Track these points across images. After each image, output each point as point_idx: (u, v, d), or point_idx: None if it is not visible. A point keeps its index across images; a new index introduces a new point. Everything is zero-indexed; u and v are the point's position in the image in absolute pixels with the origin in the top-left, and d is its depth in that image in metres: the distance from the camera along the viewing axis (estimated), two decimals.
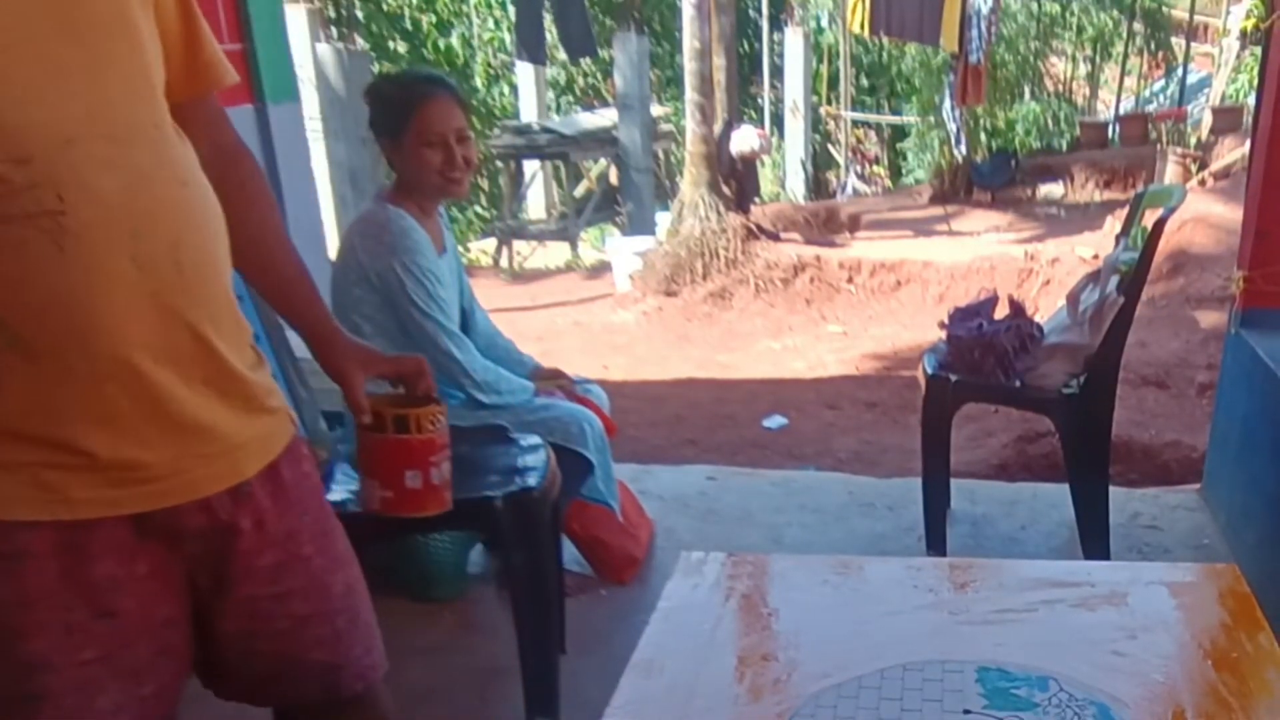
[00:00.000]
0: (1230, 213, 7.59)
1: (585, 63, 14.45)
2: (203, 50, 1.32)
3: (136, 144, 1.16)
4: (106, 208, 1.11)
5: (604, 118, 12.48)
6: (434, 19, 14.93)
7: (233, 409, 1.26)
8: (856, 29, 10.65)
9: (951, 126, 10.62)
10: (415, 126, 2.42)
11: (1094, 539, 2.94)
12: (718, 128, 9.84)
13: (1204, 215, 8.04)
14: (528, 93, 13.64)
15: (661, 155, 13.48)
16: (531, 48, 10.95)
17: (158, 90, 1.23)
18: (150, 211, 1.15)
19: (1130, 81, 13.79)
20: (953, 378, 2.96)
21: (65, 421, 1.13)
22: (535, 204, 13.48)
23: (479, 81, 15.01)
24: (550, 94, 14.72)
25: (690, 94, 9.57)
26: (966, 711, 1.13)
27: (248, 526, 1.28)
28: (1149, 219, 2.81)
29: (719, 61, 9.81)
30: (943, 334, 3.08)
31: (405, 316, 2.44)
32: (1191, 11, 12.62)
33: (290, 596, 1.34)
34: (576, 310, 9.05)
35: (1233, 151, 9.82)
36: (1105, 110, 13.54)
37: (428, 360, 2.50)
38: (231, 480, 1.26)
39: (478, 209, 14.54)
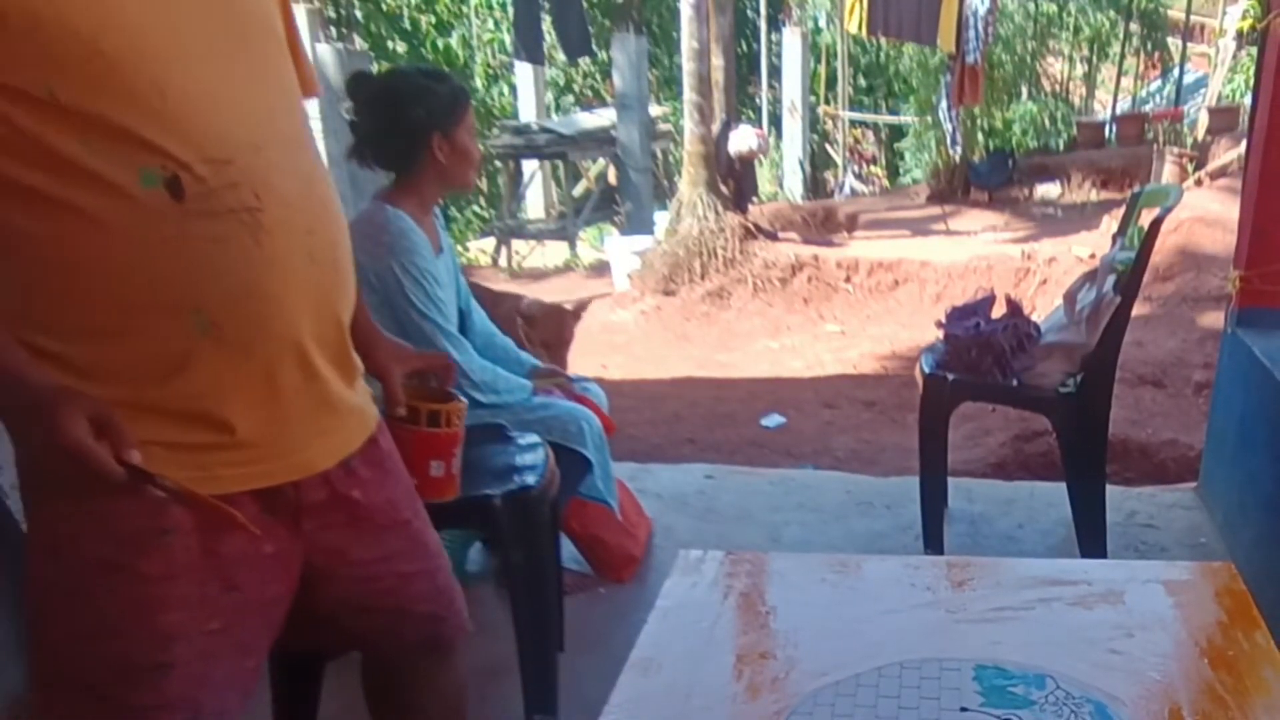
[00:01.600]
0: (1227, 212, 7.60)
1: (584, 63, 14.45)
2: (303, 60, 1.40)
3: (300, 148, 1.28)
4: (289, 207, 1.23)
5: (602, 118, 12.47)
6: (433, 19, 14.92)
7: (349, 387, 1.38)
8: (854, 29, 10.64)
9: (949, 126, 10.61)
10: (467, 119, 2.46)
11: (1091, 537, 2.95)
12: (716, 128, 9.83)
13: (1201, 215, 8.05)
14: (526, 93, 13.63)
15: (660, 155, 13.47)
16: (530, 48, 10.94)
17: (300, 97, 1.34)
18: (317, 211, 1.29)
19: (1127, 81, 13.80)
20: (950, 377, 2.97)
21: (228, 401, 1.22)
22: (534, 203, 13.47)
23: (478, 81, 15.00)
24: (549, 94, 14.71)
25: (688, 94, 9.57)
26: (964, 709, 1.13)
27: (357, 496, 1.39)
28: (1145, 219, 2.81)
29: (717, 62, 9.81)
30: (940, 333, 3.08)
31: (403, 317, 2.45)
32: (1188, 12, 12.63)
33: (396, 557, 1.46)
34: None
35: (1229, 151, 9.83)
36: (1102, 110, 13.54)
37: None
38: (344, 453, 1.37)
39: (477, 208, 14.54)
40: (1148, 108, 13.06)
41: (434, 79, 2.51)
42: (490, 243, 12.48)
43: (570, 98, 15.98)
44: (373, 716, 1.69)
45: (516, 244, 12.09)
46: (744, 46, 15.08)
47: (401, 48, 14.58)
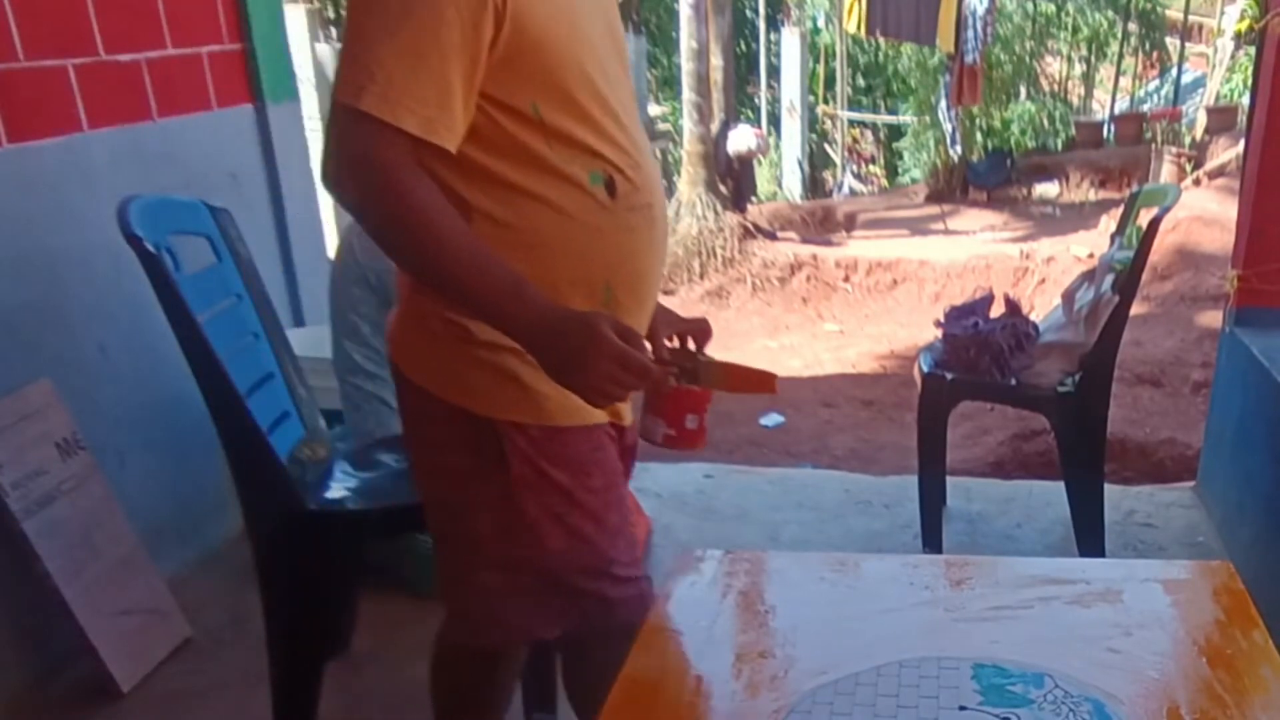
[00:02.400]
0: (1225, 212, 7.61)
1: None
2: None
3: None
4: (660, 200, 1.53)
5: None
6: None
7: None
8: (853, 29, 10.65)
9: (947, 126, 10.62)
10: None
11: (1089, 536, 2.95)
12: (715, 127, 9.84)
13: (1199, 214, 8.06)
14: None
15: (659, 155, 13.46)
16: None
17: None
18: (663, 202, 1.55)
19: (1125, 81, 13.81)
20: (949, 376, 2.97)
21: None
22: None
23: None
24: None
25: (687, 94, 9.58)
26: (962, 708, 1.13)
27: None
28: (1144, 218, 2.82)
29: (716, 61, 9.81)
30: (939, 332, 3.09)
31: None
32: (1186, 12, 12.64)
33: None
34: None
35: (1227, 151, 9.84)
36: (1100, 110, 13.54)
37: None
38: None
39: None
40: (1146, 107, 13.07)
41: None
42: None
43: None
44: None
45: None
46: (743, 46, 15.07)
47: None
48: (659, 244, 1.53)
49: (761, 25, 14.32)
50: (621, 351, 1.27)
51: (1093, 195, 10.99)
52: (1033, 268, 8.65)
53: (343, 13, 11.64)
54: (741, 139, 10.00)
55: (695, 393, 1.56)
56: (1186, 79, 13.10)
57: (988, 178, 11.42)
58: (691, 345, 1.64)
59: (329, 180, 1.31)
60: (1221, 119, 10.82)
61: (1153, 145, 11.13)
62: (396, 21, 1.23)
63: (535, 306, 1.31)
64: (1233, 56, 11.82)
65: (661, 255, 1.55)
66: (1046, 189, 11.38)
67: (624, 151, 1.44)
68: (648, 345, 1.39)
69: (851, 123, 14.70)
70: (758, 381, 1.46)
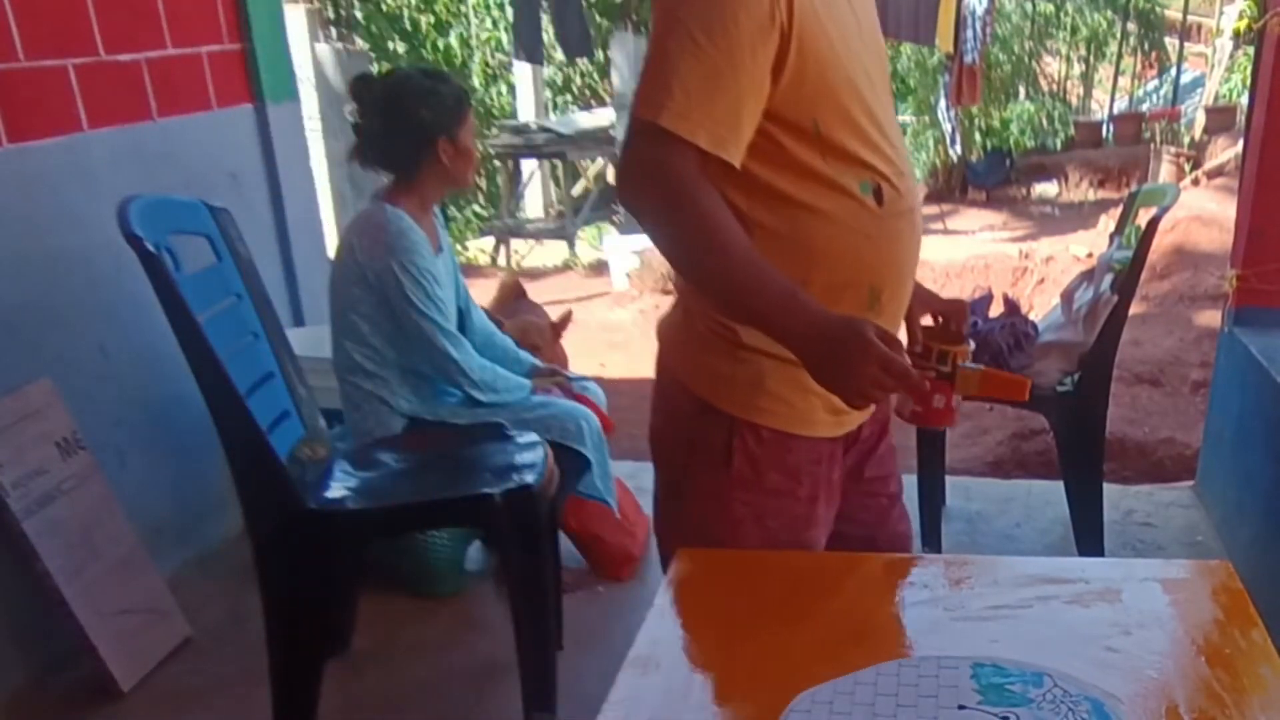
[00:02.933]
0: (1224, 211, 7.62)
1: (582, 63, 14.42)
2: None
3: None
4: (919, 205, 1.59)
5: (601, 117, 12.45)
6: (433, 19, 14.89)
7: None
8: None
9: (947, 126, 10.61)
10: (469, 120, 2.49)
11: (1088, 536, 2.96)
12: None
13: (1198, 214, 8.06)
14: (525, 92, 13.61)
15: None
16: (529, 48, 10.91)
17: None
18: (920, 206, 1.61)
19: (1124, 81, 13.81)
20: None
21: None
22: (533, 203, 13.45)
23: (477, 81, 14.97)
24: (548, 94, 14.70)
25: None
26: (961, 707, 1.14)
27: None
28: (1143, 218, 2.82)
29: None
30: None
31: (403, 315, 2.45)
32: (1185, 12, 12.65)
33: (890, 479, 1.77)
34: (574, 308, 9.06)
35: (1226, 151, 9.85)
36: (1099, 110, 13.55)
37: (425, 359, 2.51)
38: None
39: (476, 208, 14.51)
40: (1145, 107, 13.07)
41: (437, 80, 2.52)
42: (489, 242, 12.46)
43: (569, 97, 15.95)
44: None
45: (515, 243, 12.07)
46: None
47: (401, 48, 14.56)
48: (918, 246, 1.60)
49: None
50: (884, 356, 1.32)
51: (1092, 195, 10.99)
52: (1032, 267, 8.65)
53: (342, 13, 11.60)
54: None
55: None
56: (1185, 79, 13.11)
57: (987, 177, 11.43)
58: (942, 327, 1.73)
59: (624, 189, 1.42)
60: (1220, 119, 10.83)
61: (1151, 145, 11.14)
62: (696, 44, 1.34)
63: (806, 314, 1.37)
64: (1231, 56, 11.84)
65: (918, 257, 1.61)
66: (1045, 189, 11.39)
67: (889, 160, 1.50)
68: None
69: None
70: (1011, 388, 1.48)
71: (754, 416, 1.55)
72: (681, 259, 1.45)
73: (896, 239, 1.52)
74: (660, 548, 1.72)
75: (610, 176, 12.63)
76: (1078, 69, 14.10)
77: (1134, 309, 2.99)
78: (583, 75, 15.92)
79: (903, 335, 1.65)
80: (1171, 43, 13.58)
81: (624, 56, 11.51)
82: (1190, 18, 13.12)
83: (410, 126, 2.46)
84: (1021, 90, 12.44)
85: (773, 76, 1.38)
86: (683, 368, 1.62)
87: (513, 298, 3.52)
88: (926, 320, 1.78)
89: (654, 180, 1.38)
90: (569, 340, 3.39)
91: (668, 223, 1.40)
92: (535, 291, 8.43)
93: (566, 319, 3.22)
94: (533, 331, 2.96)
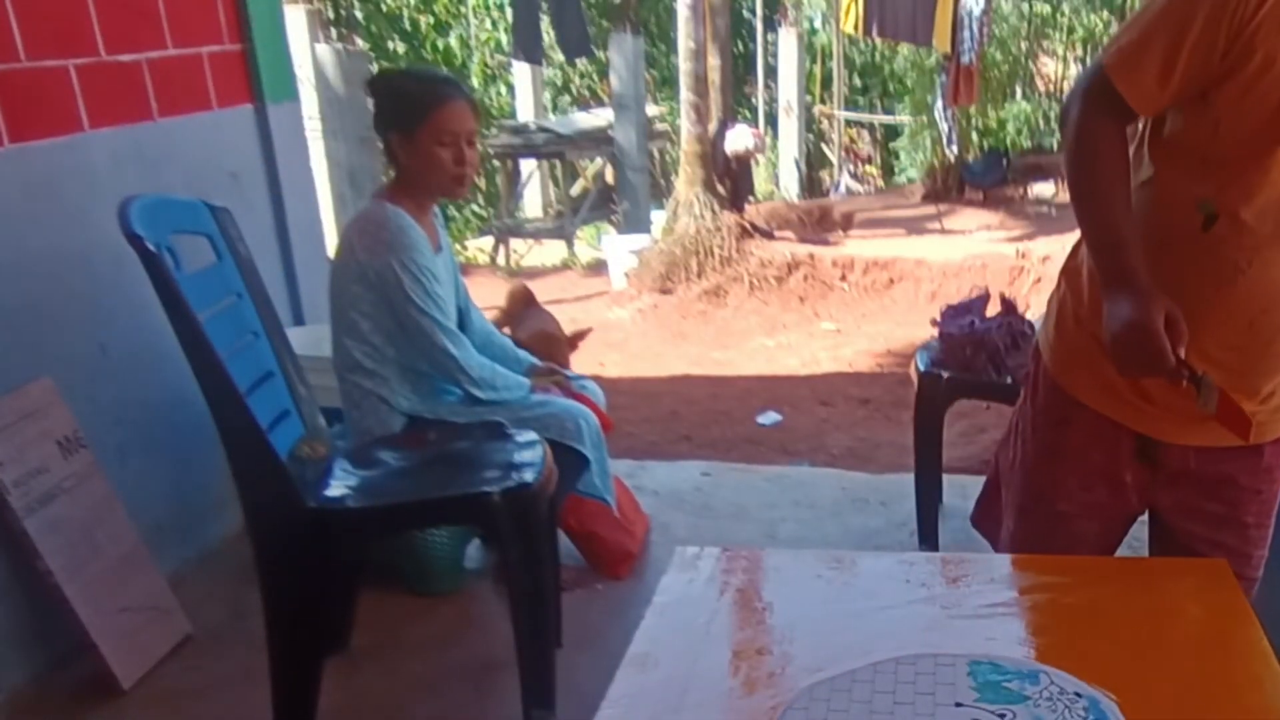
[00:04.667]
0: None
1: (581, 63, 14.42)
2: None
3: None
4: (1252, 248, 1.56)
5: (600, 117, 12.45)
6: (432, 20, 14.88)
7: None
8: (849, 30, 10.66)
9: (943, 126, 10.63)
10: (432, 124, 2.43)
11: None
12: (712, 127, 9.84)
13: None
14: (524, 93, 13.61)
15: (657, 154, 13.45)
16: (528, 48, 10.93)
17: None
18: None
19: None
20: (945, 374, 2.98)
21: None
22: (532, 202, 13.45)
23: (476, 81, 14.95)
24: (547, 94, 14.69)
25: (685, 94, 9.57)
26: (958, 704, 1.14)
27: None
28: None
29: (714, 62, 9.80)
30: (935, 331, 3.10)
31: (403, 314, 2.46)
32: None
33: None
34: (573, 308, 9.05)
35: None
36: None
37: (425, 357, 2.52)
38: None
39: (475, 207, 14.51)
40: None
41: (413, 78, 2.54)
42: (488, 241, 12.45)
43: (567, 98, 15.94)
44: None
45: (514, 243, 12.06)
46: (740, 47, 15.06)
47: (401, 48, 14.54)
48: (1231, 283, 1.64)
49: (759, 26, 14.32)
50: (1149, 337, 1.40)
51: None
52: (1028, 267, 8.65)
53: (342, 13, 11.57)
54: (739, 139, 10.00)
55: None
56: None
57: (984, 177, 11.42)
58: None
59: (1062, 111, 1.58)
60: None
61: None
62: (1158, 8, 1.46)
63: (1126, 270, 1.47)
64: None
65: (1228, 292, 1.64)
66: (1042, 189, 11.38)
67: (1244, 205, 1.52)
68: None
69: (848, 123, 14.70)
70: (1237, 422, 1.49)
71: (1060, 377, 1.69)
72: (1071, 176, 1.57)
73: (1210, 260, 1.54)
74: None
75: (608, 176, 12.63)
76: (1074, 69, 14.10)
77: None
78: (582, 76, 15.92)
79: None
80: None
81: (623, 57, 11.51)
82: None
83: (377, 112, 2.50)
84: (1018, 90, 12.45)
85: (1225, 68, 1.43)
86: (1050, 355, 1.74)
87: (522, 305, 3.51)
88: None
89: (1076, 104, 1.54)
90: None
91: (1069, 144, 1.55)
92: (535, 290, 8.45)
93: (583, 334, 3.22)
94: (550, 344, 2.95)
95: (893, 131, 14.25)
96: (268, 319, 2.24)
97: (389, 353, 2.53)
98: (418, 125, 2.44)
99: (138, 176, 2.76)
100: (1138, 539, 3.18)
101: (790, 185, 13.65)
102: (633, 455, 4.14)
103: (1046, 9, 12.71)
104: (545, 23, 11.28)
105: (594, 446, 2.64)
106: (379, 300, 2.47)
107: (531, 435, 2.38)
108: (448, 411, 2.57)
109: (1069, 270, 1.71)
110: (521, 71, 13.35)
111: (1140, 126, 1.61)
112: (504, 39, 14.34)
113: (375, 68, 10.85)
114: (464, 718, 2.43)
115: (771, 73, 14.57)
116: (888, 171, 15.09)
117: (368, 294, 2.47)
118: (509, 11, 12.42)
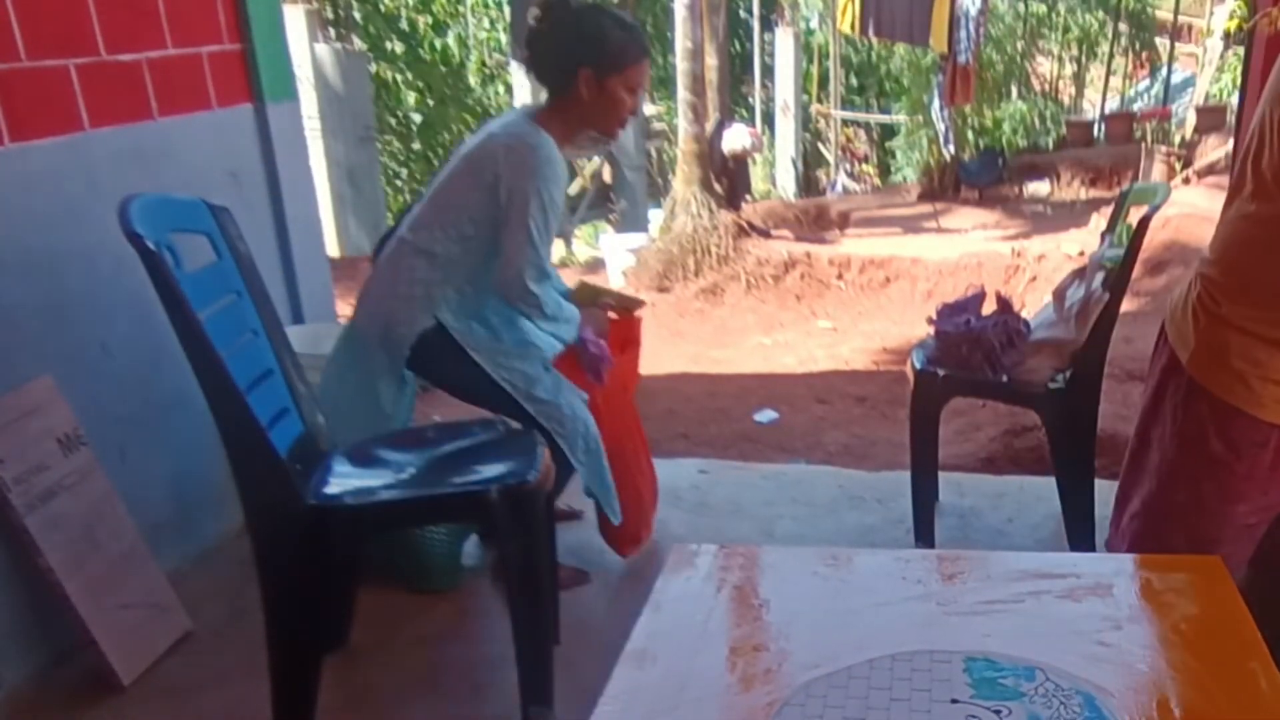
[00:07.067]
0: (1214, 209, 7.60)
1: None
2: None
3: None
4: None
5: None
6: (430, 19, 14.86)
7: None
8: (846, 29, 10.67)
9: (940, 125, 10.65)
10: (628, 74, 2.51)
11: (1080, 531, 2.98)
12: (709, 126, 9.84)
13: (1189, 211, 8.08)
14: (523, 93, 13.60)
15: (654, 153, 13.46)
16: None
17: None
18: None
19: (1115, 81, 13.84)
20: (941, 372, 2.99)
21: None
22: None
23: (474, 81, 14.95)
24: (545, 94, 14.69)
25: (682, 93, 9.58)
26: (954, 701, 1.14)
27: None
28: (1134, 216, 2.84)
29: (711, 61, 9.81)
30: (931, 330, 3.10)
31: (512, 235, 2.45)
32: (1176, 12, 12.67)
33: None
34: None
35: (1216, 150, 9.87)
36: (1091, 109, 13.57)
37: (501, 281, 2.49)
38: None
39: None
40: (1136, 107, 13.11)
41: (616, 22, 2.55)
42: None
43: None
44: None
45: None
46: (737, 46, 15.06)
47: (399, 48, 14.52)
48: None
49: (756, 25, 14.32)
50: None
51: (1083, 194, 11.00)
52: (1024, 265, 8.66)
53: (341, 13, 11.50)
54: (736, 138, 10.01)
55: None
56: (1176, 79, 13.15)
57: (980, 176, 11.44)
58: None
59: None
60: (1211, 118, 10.85)
61: (1143, 144, 11.16)
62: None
63: None
64: (1222, 56, 11.87)
65: None
66: (1038, 187, 11.41)
67: None
68: None
69: (845, 122, 14.72)
70: None
71: (1209, 383, 1.65)
72: None
73: None
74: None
75: (606, 175, 12.63)
76: (1070, 69, 14.13)
77: (1125, 306, 3.00)
78: None
79: None
80: (1162, 43, 13.62)
81: None
82: (1181, 18, 13.14)
83: (563, 45, 2.52)
84: (1014, 90, 12.47)
85: None
86: (1171, 320, 1.74)
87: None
88: None
89: None
90: None
91: None
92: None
93: (637, 304, 3.18)
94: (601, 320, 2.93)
95: (889, 131, 14.27)
96: (267, 317, 2.24)
97: (464, 261, 2.53)
98: (614, 71, 2.49)
99: (138, 176, 2.77)
100: None
101: (787, 184, 13.66)
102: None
103: (1042, 9, 12.73)
104: None
105: (586, 454, 2.63)
106: (493, 217, 2.46)
107: (530, 432, 2.39)
108: (473, 341, 2.55)
109: (1198, 279, 1.71)
110: (520, 71, 13.34)
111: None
112: (502, 38, 14.33)
113: (374, 68, 10.83)
114: (462, 714, 2.43)
115: (768, 72, 14.57)
116: (884, 170, 15.11)
117: (488, 205, 2.46)
118: (507, 11, 12.40)
